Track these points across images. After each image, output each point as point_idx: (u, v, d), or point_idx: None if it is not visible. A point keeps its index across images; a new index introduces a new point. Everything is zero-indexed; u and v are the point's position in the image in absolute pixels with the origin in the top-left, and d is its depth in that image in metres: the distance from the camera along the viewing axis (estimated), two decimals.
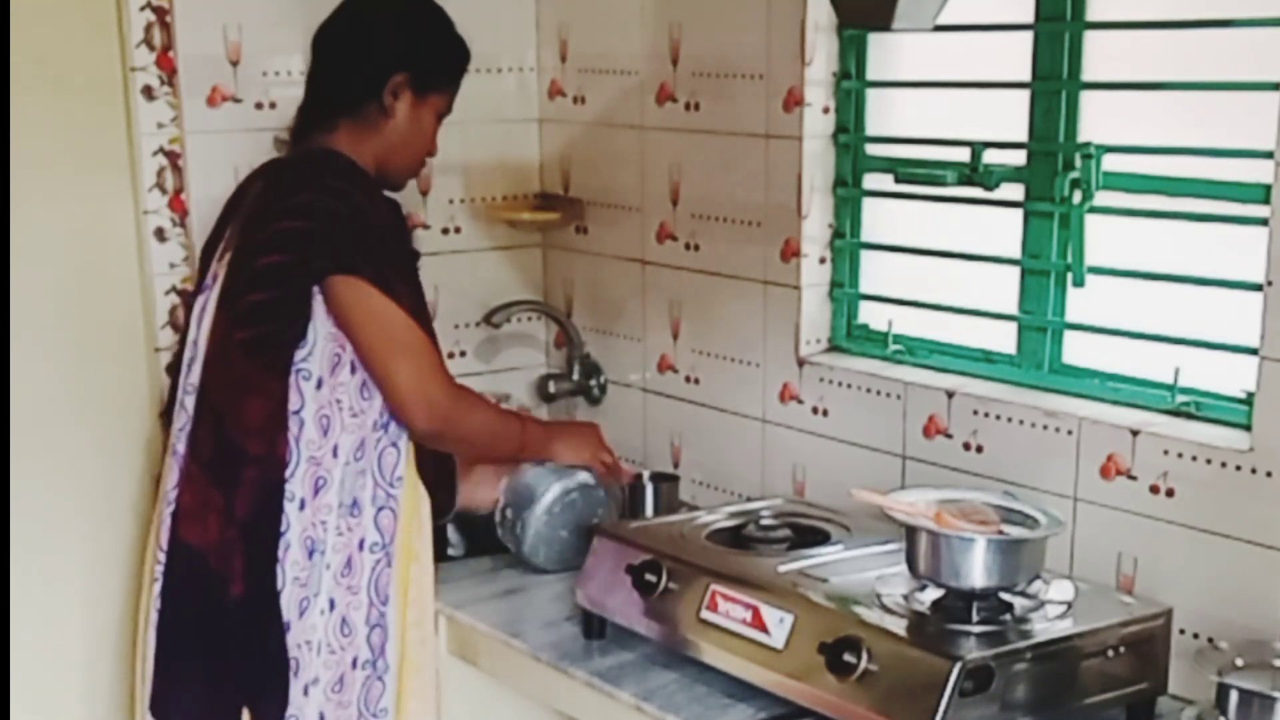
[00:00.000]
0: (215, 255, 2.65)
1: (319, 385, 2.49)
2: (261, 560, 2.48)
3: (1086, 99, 2.48)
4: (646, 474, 2.99)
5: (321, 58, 2.67)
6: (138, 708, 2.68)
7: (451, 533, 3.11)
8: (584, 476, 2.78)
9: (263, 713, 2.51)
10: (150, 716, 2.62)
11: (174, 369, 2.76)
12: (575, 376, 3.32)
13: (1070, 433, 2.41)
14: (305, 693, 2.53)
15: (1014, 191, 2.57)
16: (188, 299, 2.83)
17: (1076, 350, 2.55)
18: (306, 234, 2.44)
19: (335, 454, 2.50)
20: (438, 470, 2.65)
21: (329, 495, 2.50)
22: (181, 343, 2.72)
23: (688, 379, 3.11)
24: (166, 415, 2.73)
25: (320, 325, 2.48)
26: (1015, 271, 2.60)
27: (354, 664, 2.56)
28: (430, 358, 2.50)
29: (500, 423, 2.70)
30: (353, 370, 2.50)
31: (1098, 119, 2.47)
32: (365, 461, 2.53)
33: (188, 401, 2.57)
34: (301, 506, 2.49)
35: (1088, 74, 2.48)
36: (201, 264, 2.72)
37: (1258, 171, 2.21)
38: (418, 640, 2.62)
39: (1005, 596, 2.17)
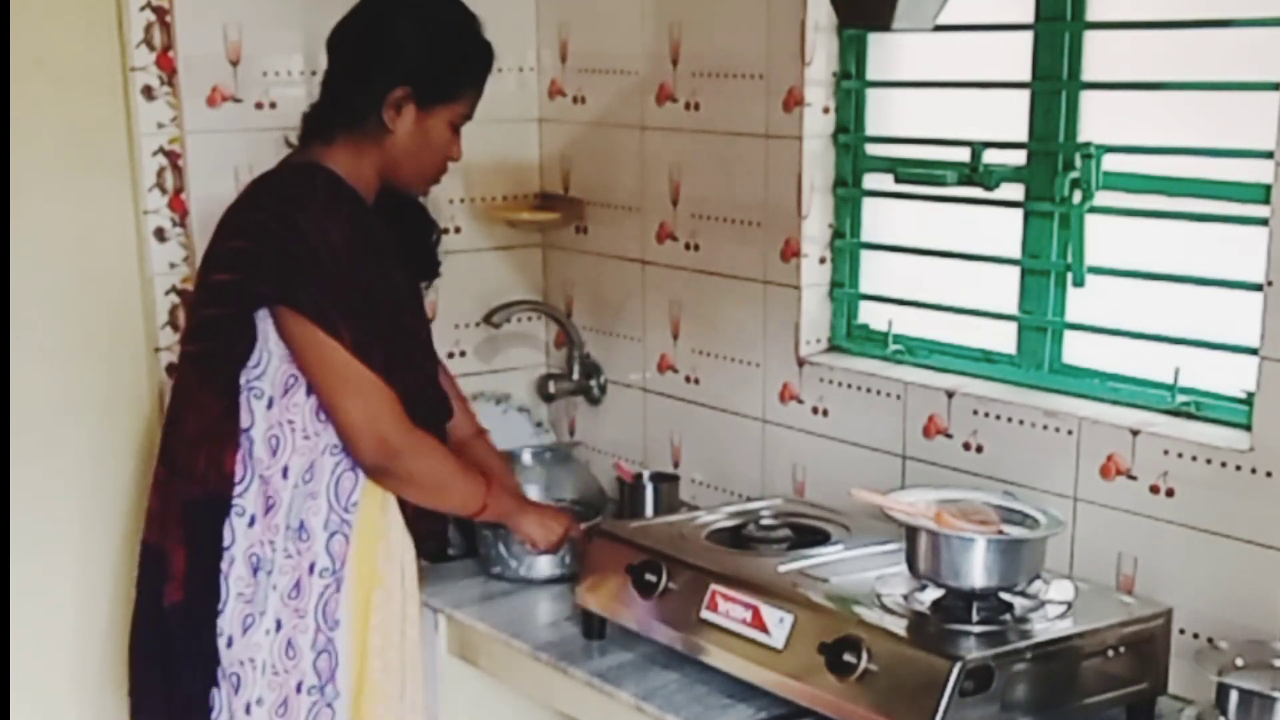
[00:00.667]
0: None
1: (270, 405, 2.47)
2: (201, 573, 2.48)
3: (1086, 99, 2.48)
4: (646, 474, 3.00)
5: (332, 62, 2.58)
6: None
7: (451, 533, 3.11)
8: None
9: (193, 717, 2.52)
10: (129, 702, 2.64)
11: None
12: (575, 376, 3.32)
13: (1070, 433, 2.41)
14: (248, 710, 2.50)
15: (1014, 191, 2.56)
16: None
17: (1076, 350, 2.55)
18: (249, 255, 2.42)
19: (285, 475, 2.48)
20: (423, 514, 2.60)
21: (277, 516, 2.48)
22: None
23: (688, 379, 3.11)
24: None
25: (274, 347, 2.45)
26: (1015, 271, 2.60)
27: (298, 688, 2.51)
28: (378, 394, 2.44)
29: (456, 476, 2.58)
30: (308, 393, 2.46)
31: (1098, 119, 2.47)
32: (316, 484, 2.49)
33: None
34: (251, 523, 2.48)
35: (1088, 74, 2.48)
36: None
37: (1258, 171, 2.21)
38: (379, 669, 2.55)
39: (1005, 596, 2.16)
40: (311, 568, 2.50)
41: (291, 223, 2.41)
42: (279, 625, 2.50)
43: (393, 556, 2.55)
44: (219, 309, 2.46)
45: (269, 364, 2.46)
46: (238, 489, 2.47)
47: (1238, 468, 2.21)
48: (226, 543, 2.47)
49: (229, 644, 2.49)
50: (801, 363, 2.85)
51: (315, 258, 2.40)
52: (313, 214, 2.43)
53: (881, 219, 2.83)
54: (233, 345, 2.45)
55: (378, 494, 2.52)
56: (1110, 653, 2.13)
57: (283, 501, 2.48)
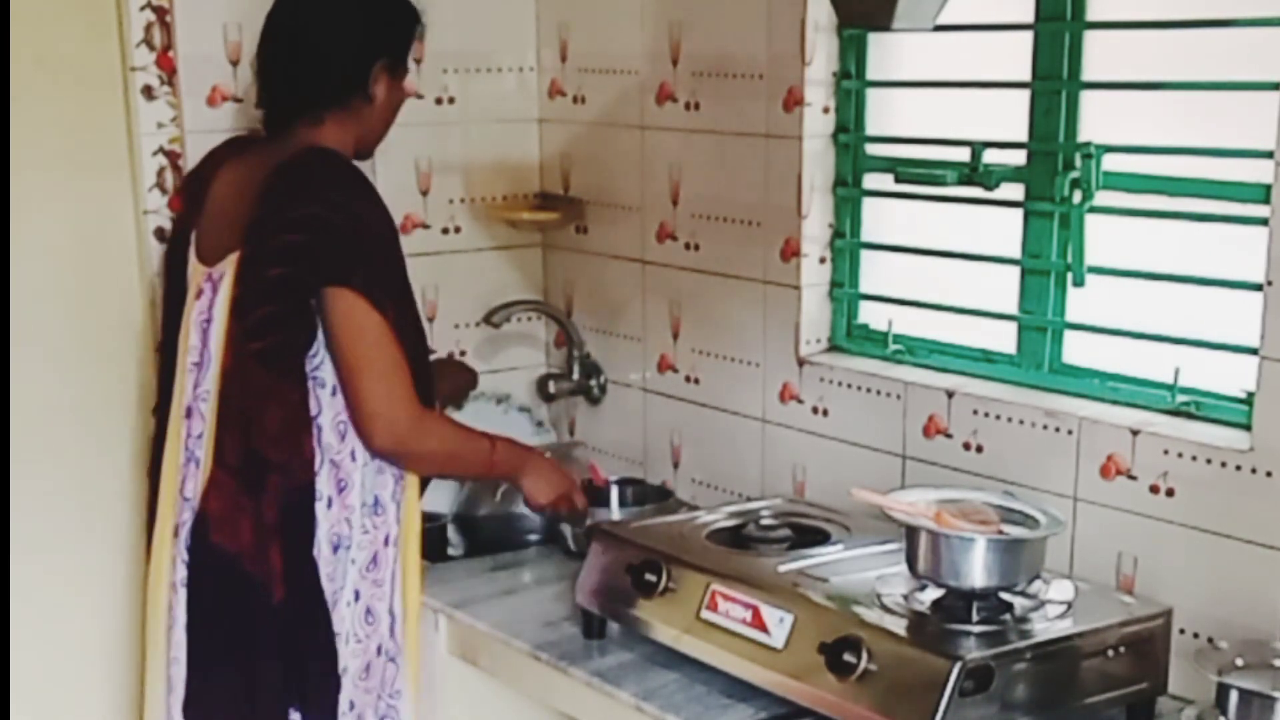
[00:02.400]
0: (190, 248, 2.64)
1: (334, 393, 2.52)
2: (299, 563, 2.51)
3: (1086, 99, 2.48)
4: (613, 478, 3.04)
5: (298, 50, 2.61)
6: (152, 709, 2.68)
7: (451, 533, 3.12)
8: None
9: (313, 712, 2.55)
10: (181, 715, 2.62)
11: (165, 369, 2.72)
12: (575, 376, 3.32)
13: (1070, 433, 2.41)
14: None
15: (1014, 191, 2.57)
16: (162, 307, 2.78)
17: (1076, 350, 2.55)
18: (306, 247, 2.45)
19: (354, 457, 2.54)
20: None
21: (351, 496, 2.55)
22: (165, 341, 2.71)
23: (688, 379, 3.11)
24: (160, 411, 2.73)
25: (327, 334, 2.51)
26: (1015, 271, 2.60)
27: (378, 651, 2.61)
28: (400, 377, 2.50)
29: (463, 444, 2.65)
30: None
31: (1098, 119, 2.47)
32: (381, 460, 2.57)
33: (203, 409, 2.58)
34: (329, 505, 2.54)
35: (1088, 74, 2.48)
36: (169, 265, 2.72)
37: (1258, 171, 2.21)
38: (416, 627, 2.67)
39: (1005, 596, 2.16)
40: (387, 539, 2.59)
41: (346, 209, 2.47)
42: (357, 596, 2.58)
43: (419, 518, 2.66)
44: (277, 304, 2.48)
45: (325, 352, 2.51)
46: (316, 473, 2.52)
47: (1238, 468, 2.21)
48: (314, 529, 2.52)
49: (335, 632, 2.56)
50: (801, 363, 2.85)
51: (370, 239, 2.48)
52: (360, 197, 2.51)
53: (882, 219, 2.83)
54: (296, 336, 2.49)
55: None
56: (1110, 653, 2.13)
57: (354, 482, 2.55)
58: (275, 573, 2.49)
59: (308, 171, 2.52)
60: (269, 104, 2.64)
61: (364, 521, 2.57)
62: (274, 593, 2.49)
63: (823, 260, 2.85)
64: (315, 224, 2.45)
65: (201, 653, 2.59)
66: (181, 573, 2.59)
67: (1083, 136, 2.48)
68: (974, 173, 2.52)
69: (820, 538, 2.50)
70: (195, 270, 2.63)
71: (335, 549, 2.55)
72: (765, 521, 2.56)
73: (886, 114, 2.80)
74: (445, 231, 3.27)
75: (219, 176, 2.66)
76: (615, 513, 2.96)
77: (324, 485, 2.53)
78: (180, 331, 2.64)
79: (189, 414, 2.60)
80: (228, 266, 2.54)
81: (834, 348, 2.88)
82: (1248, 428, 2.23)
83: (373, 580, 2.59)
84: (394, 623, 2.62)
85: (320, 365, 2.51)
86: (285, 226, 2.46)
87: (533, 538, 3.04)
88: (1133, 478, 2.34)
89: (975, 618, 2.12)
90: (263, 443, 2.49)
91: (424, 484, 2.69)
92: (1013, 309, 2.61)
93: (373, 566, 2.59)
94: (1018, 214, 2.58)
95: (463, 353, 3.31)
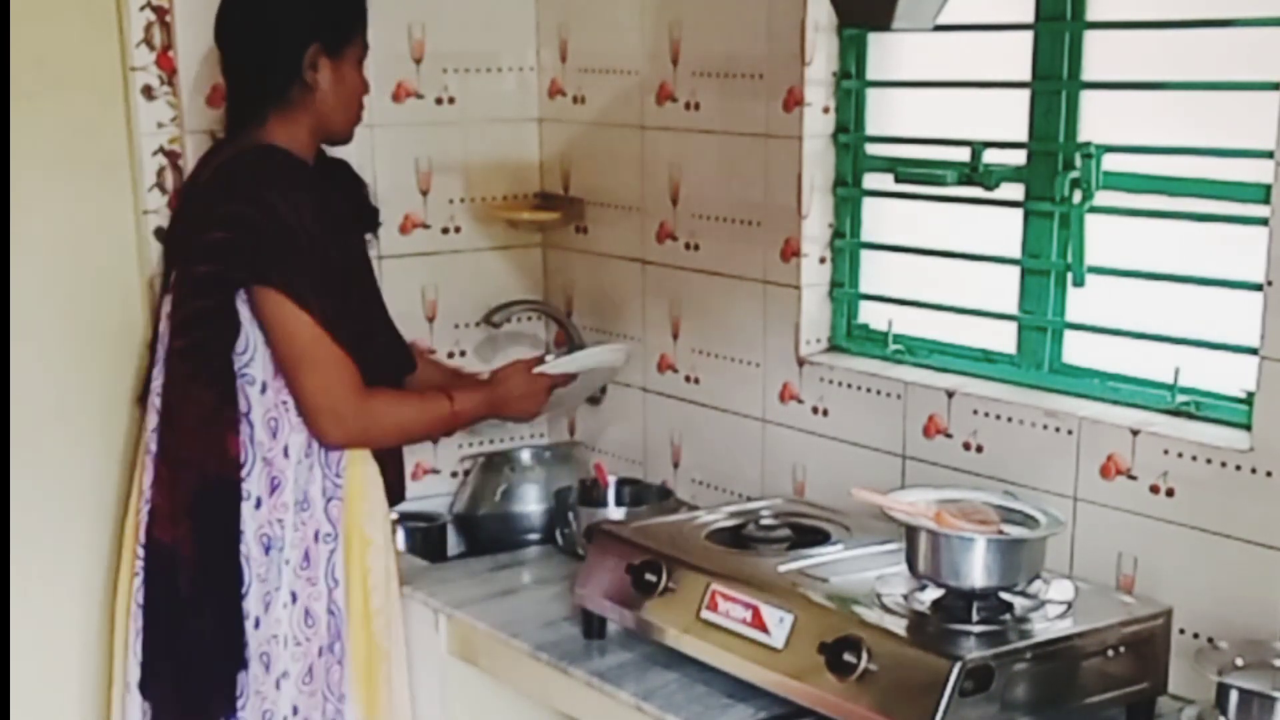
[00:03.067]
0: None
1: (263, 390, 2.55)
2: (216, 559, 2.55)
3: (1086, 99, 2.48)
4: (614, 479, 3.05)
5: (230, 54, 2.67)
6: (116, 688, 2.75)
7: (451, 533, 3.12)
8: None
9: (216, 704, 2.58)
10: (139, 696, 2.68)
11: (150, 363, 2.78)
12: None
13: (1070, 432, 2.41)
14: (277, 686, 2.59)
15: (1014, 191, 2.56)
16: (159, 294, 2.81)
17: (1076, 350, 2.55)
18: (227, 245, 2.50)
19: (286, 454, 2.56)
20: (386, 456, 2.68)
21: (285, 494, 2.57)
22: (154, 337, 2.76)
23: (688, 379, 3.11)
24: (142, 403, 2.77)
25: (256, 331, 2.54)
26: (1015, 271, 2.60)
27: (319, 652, 2.62)
28: (336, 369, 2.52)
29: (418, 411, 2.67)
30: None
31: (1098, 119, 2.47)
32: (313, 457, 2.58)
33: (156, 402, 2.64)
34: (258, 505, 2.56)
35: (1088, 74, 2.48)
36: (166, 260, 2.78)
37: (1258, 171, 2.20)
38: (383, 626, 2.65)
39: (1005, 596, 2.16)
40: (316, 535, 2.60)
41: (268, 206, 2.48)
42: (294, 597, 2.59)
43: (376, 514, 2.64)
44: (203, 301, 2.53)
45: (255, 350, 2.54)
46: (243, 473, 2.54)
47: (1238, 468, 2.21)
48: (241, 528, 2.54)
49: (256, 625, 2.57)
50: (801, 362, 2.85)
51: (291, 237, 2.49)
52: (285, 194, 2.51)
53: (882, 219, 2.83)
54: (220, 334, 2.52)
55: (360, 454, 2.61)
56: (1110, 652, 2.13)
57: (287, 479, 2.56)
58: (189, 564, 2.54)
59: (239, 170, 2.56)
60: (229, 107, 2.70)
61: (294, 519, 2.57)
62: (183, 586, 2.55)
63: (823, 260, 2.85)
64: (238, 221, 2.49)
65: (151, 641, 2.65)
66: (138, 564, 2.65)
67: (1083, 136, 2.48)
68: (974, 173, 2.52)
69: (820, 538, 2.50)
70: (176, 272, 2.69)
71: (267, 549, 2.56)
72: (765, 521, 2.56)
73: (886, 114, 2.80)
74: (445, 231, 3.26)
75: (203, 176, 2.69)
76: (614, 513, 2.96)
77: (254, 485, 2.54)
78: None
79: (147, 407, 2.68)
80: None
81: (834, 348, 2.88)
82: (1248, 428, 2.23)
83: (307, 579, 2.59)
84: (337, 623, 2.61)
85: (250, 363, 2.54)
86: (211, 224, 2.52)
87: (533, 537, 3.05)
88: (1133, 478, 2.34)
89: (975, 618, 2.12)
90: (174, 439, 2.56)
91: (398, 483, 2.70)
92: (1013, 309, 2.61)
93: (305, 564, 2.59)
94: (1018, 214, 2.57)
95: (462, 353, 3.31)
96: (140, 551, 2.65)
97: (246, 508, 2.55)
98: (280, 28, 2.59)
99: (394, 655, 2.69)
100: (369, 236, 2.86)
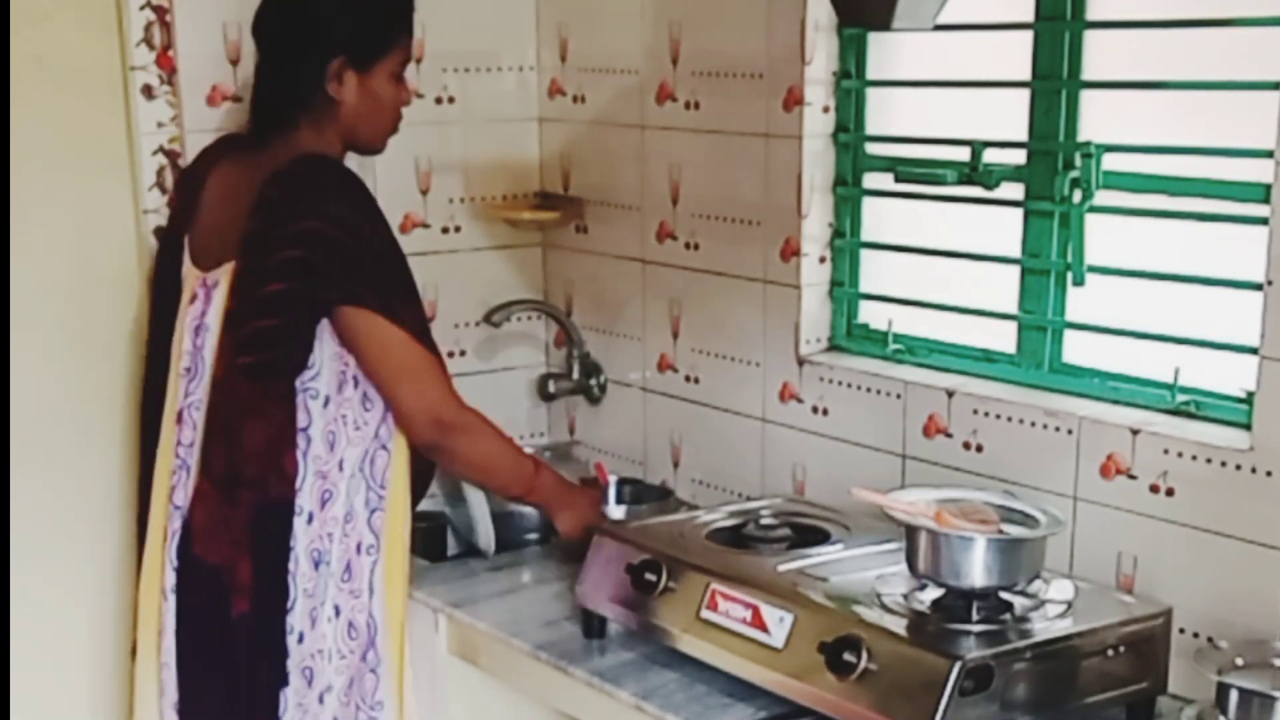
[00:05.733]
0: (184, 251, 2.64)
1: (326, 403, 2.52)
2: (268, 578, 2.50)
3: (1086, 99, 2.48)
4: (614, 479, 3.05)
5: (264, 53, 2.64)
6: (143, 711, 2.69)
7: (451, 533, 3.12)
8: None
9: None
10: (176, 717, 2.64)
11: (155, 370, 2.73)
12: (575, 376, 3.32)
13: (1070, 432, 2.41)
14: (320, 700, 2.56)
15: (1014, 191, 2.56)
16: (150, 306, 2.79)
17: (1076, 350, 2.55)
18: (310, 264, 2.44)
19: (341, 467, 2.54)
20: (417, 467, 2.66)
21: (335, 508, 2.54)
22: (155, 342, 2.71)
23: (688, 378, 3.11)
24: (146, 411, 2.73)
25: (325, 347, 2.49)
26: (1015, 271, 2.60)
27: (361, 661, 2.59)
28: (436, 373, 2.53)
29: (507, 457, 2.67)
30: (355, 385, 2.53)
31: (1098, 119, 2.47)
32: (364, 470, 2.56)
33: (195, 417, 2.57)
34: (310, 520, 2.52)
35: (1088, 74, 2.48)
36: (161, 265, 2.72)
37: (1258, 171, 2.21)
38: (408, 635, 2.64)
39: (1005, 596, 2.17)
40: (359, 547, 2.57)
41: (344, 222, 2.45)
42: (338, 611, 2.56)
43: (408, 523, 2.63)
44: (274, 319, 2.46)
45: (322, 365, 2.50)
46: (297, 488, 2.50)
47: (1238, 467, 2.21)
48: (291, 544, 2.51)
49: (300, 640, 2.54)
50: (801, 362, 2.85)
51: (372, 252, 2.47)
52: (356, 207, 2.48)
53: (882, 218, 2.83)
54: (291, 354, 2.47)
55: (403, 466, 2.60)
56: (1110, 652, 2.13)
57: (339, 493, 2.53)
58: (244, 587, 2.49)
59: (303, 182, 2.49)
60: (256, 107, 2.65)
61: (341, 532, 2.55)
62: (236, 605, 2.49)
63: (823, 260, 2.85)
64: (316, 240, 2.43)
65: (189, 660, 2.59)
66: (171, 579, 2.59)
67: (1083, 136, 2.48)
68: (974, 172, 2.52)
69: (820, 537, 2.50)
70: (189, 274, 2.62)
71: (316, 565, 2.53)
72: (765, 521, 2.56)
73: (886, 114, 2.80)
74: (445, 231, 3.27)
75: (212, 177, 2.66)
76: (615, 512, 2.96)
77: (306, 500, 2.51)
78: (174, 335, 2.63)
79: (179, 419, 2.59)
80: (222, 275, 2.54)
81: (834, 347, 2.88)
82: (1248, 427, 2.23)
83: (350, 591, 2.56)
84: (374, 633, 2.59)
85: (316, 377, 2.50)
86: (287, 242, 2.44)
87: (532, 537, 3.05)
88: (1133, 477, 2.34)
89: (975, 617, 2.12)
90: (240, 458, 2.49)
91: (419, 491, 2.67)
92: (1013, 309, 2.61)
93: (347, 576, 2.56)
94: (1018, 213, 2.58)
95: (463, 353, 3.31)
96: (171, 570, 2.58)
97: (299, 523, 2.50)
98: (309, 37, 2.55)
99: (417, 664, 2.67)
100: None
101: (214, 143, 2.75)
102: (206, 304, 2.56)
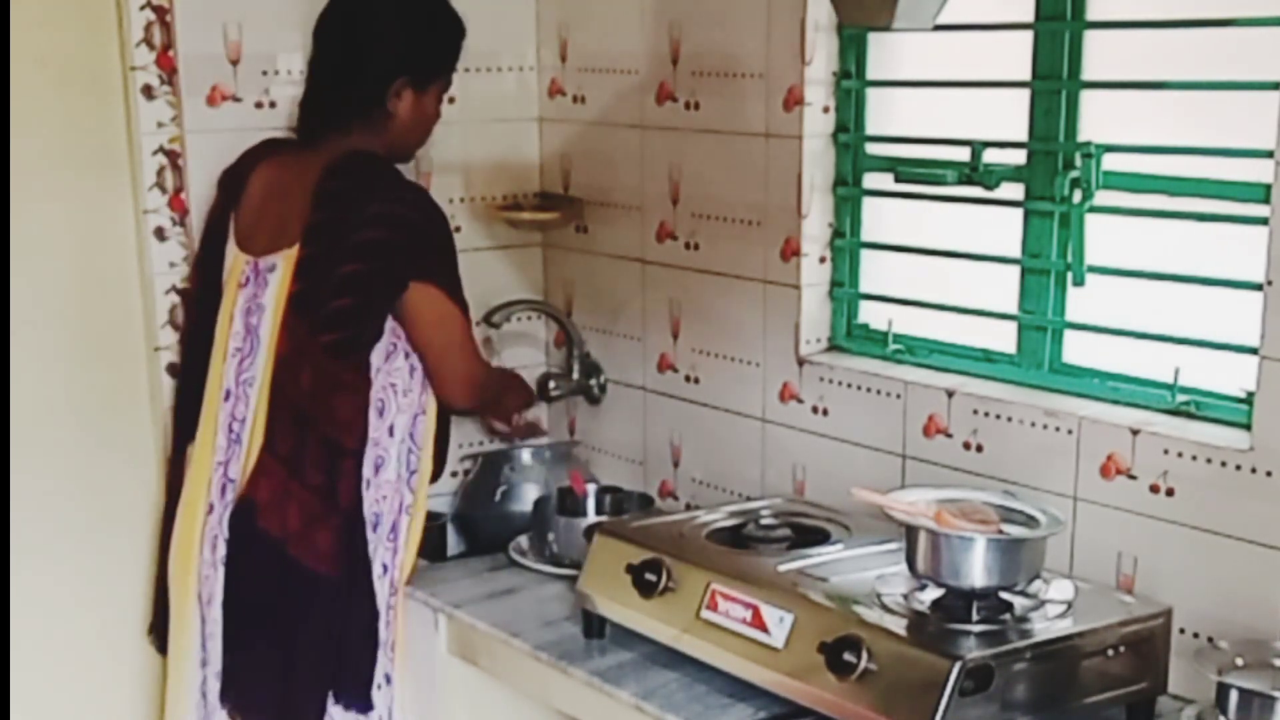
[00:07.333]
0: (229, 238, 2.74)
1: (375, 373, 2.65)
2: (358, 544, 2.63)
3: (1086, 99, 2.48)
4: (593, 488, 3.04)
5: (324, 58, 2.77)
6: (176, 688, 2.73)
7: (451, 533, 3.12)
8: None
9: (348, 692, 2.63)
10: (219, 704, 2.68)
11: (186, 363, 2.83)
12: (575, 376, 3.32)
13: (1070, 432, 2.41)
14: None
15: (1014, 191, 2.57)
16: (194, 289, 2.87)
17: (1076, 350, 2.55)
18: (388, 244, 2.60)
19: (391, 433, 2.68)
20: (440, 433, 2.81)
21: (388, 471, 2.68)
22: (189, 332, 2.79)
23: (688, 378, 3.11)
24: (184, 388, 2.81)
25: (387, 322, 2.66)
26: (1015, 271, 2.60)
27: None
28: (473, 346, 2.78)
29: (497, 375, 3.03)
30: (405, 356, 2.69)
31: (1098, 119, 2.47)
32: (409, 435, 2.71)
33: (250, 394, 2.65)
34: (368, 486, 2.65)
35: (1088, 74, 2.48)
36: (207, 253, 2.79)
37: (1258, 171, 2.21)
38: (408, 633, 2.77)
39: (1005, 596, 2.17)
40: (401, 506, 2.72)
41: (419, 206, 2.66)
42: (385, 569, 2.71)
43: (427, 482, 2.80)
44: (351, 298, 2.60)
45: (380, 338, 2.66)
46: (364, 454, 2.65)
47: (1238, 467, 2.21)
48: (363, 510, 2.65)
49: (380, 612, 2.70)
50: (801, 362, 2.85)
51: (443, 236, 2.68)
52: (420, 193, 2.72)
53: (882, 218, 2.83)
54: (368, 329, 2.63)
55: (433, 429, 2.77)
56: (1110, 652, 2.13)
57: (391, 457, 2.69)
58: (326, 554, 2.57)
59: (369, 172, 2.65)
60: (308, 109, 2.78)
61: (394, 492, 2.70)
62: (322, 572, 2.57)
63: (823, 260, 2.85)
64: (394, 221, 2.60)
65: (238, 632, 2.65)
66: (222, 551, 2.65)
67: (1083, 136, 2.48)
68: (974, 172, 2.52)
69: (820, 537, 2.51)
70: (236, 259, 2.72)
71: (375, 527, 2.67)
72: (765, 521, 2.57)
73: (886, 114, 2.80)
74: None
75: (256, 173, 2.77)
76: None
77: (365, 467, 2.65)
78: (220, 315, 2.71)
79: (228, 396, 2.68)
80: (280, 260, 2.64)
81: (834, 347, 2.88)
82: (1248, 427, 2.23)
83: (393, 549, 2.72)
84: (396, 584, 2.74)
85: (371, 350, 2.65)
86: (362, 225, 2.58)
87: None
88: (1133, 477, 2.34)
89: (975, 617, 2.12)
90: (335, 431, 2.59)
91: (443, 452, 2.82)
92: (1013, 309, 2.61)
93: (393, 535, 2.72)
94: (1018, 214, 2.58)
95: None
96: (222, 541, 2.64)
97: (362, 488, 2.65)
98: (375, 54, 2.72)
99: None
100: None
101: (257, 144, 2.84)
102: (259, 286, 2.66)
